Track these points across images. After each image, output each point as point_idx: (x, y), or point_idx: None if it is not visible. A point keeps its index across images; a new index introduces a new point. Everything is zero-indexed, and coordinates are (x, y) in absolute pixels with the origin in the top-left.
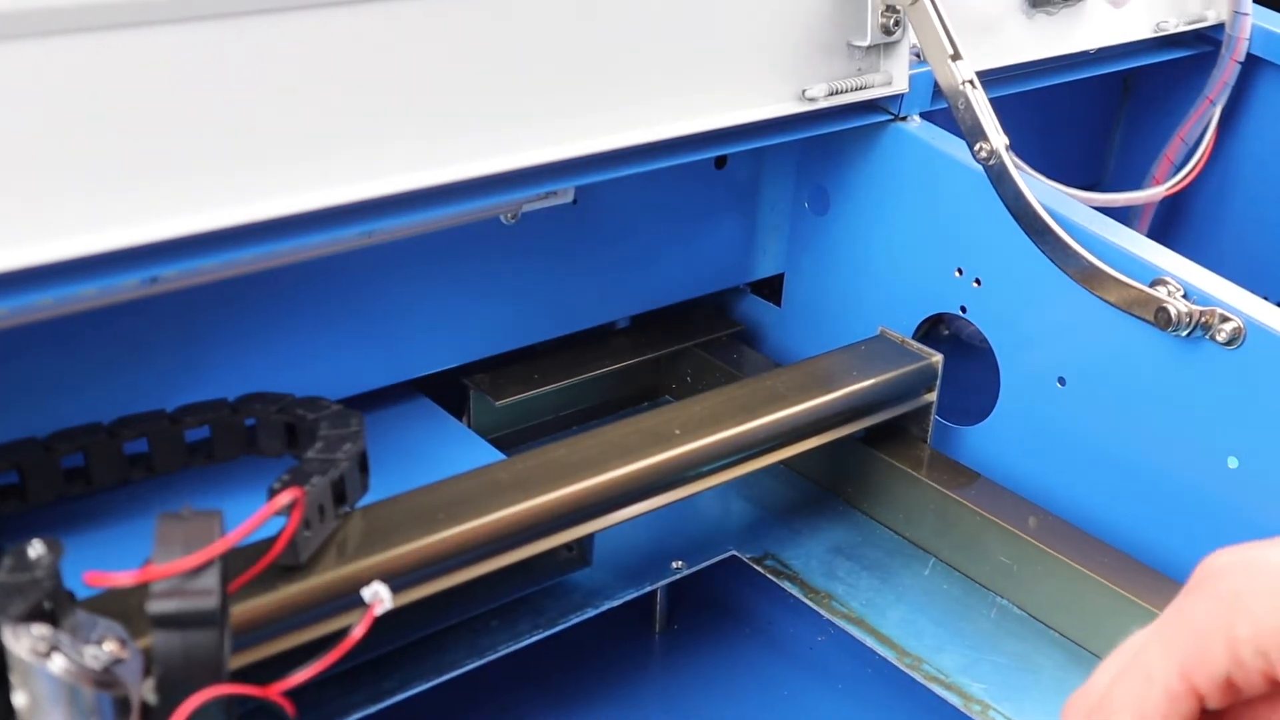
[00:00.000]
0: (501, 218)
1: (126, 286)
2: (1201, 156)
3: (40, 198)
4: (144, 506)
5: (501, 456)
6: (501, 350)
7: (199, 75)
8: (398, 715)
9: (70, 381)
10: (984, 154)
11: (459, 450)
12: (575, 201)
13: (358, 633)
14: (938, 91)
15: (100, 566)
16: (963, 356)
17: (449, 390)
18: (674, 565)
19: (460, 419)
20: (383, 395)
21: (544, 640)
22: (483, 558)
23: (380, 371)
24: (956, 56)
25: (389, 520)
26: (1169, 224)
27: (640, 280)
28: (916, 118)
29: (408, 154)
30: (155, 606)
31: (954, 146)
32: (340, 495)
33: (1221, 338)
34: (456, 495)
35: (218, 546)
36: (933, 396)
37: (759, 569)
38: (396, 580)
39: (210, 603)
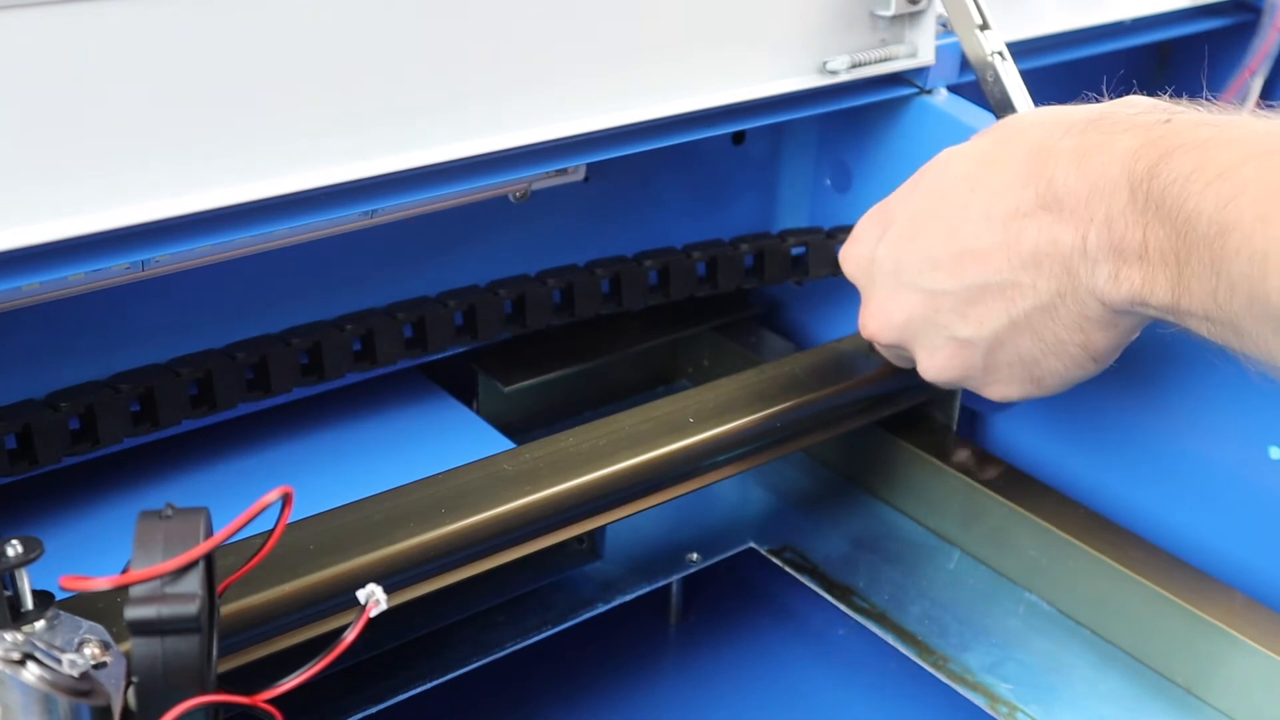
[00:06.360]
0: (510, 196)
1: (116, 271)
2: None
3: (25, 179)
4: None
5: (510, 444)
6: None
7: (192, 50)
8: (404, 713)
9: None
10: None
11: (467, 437)
12: (587, 179)
13: (351, 636)
14: (965, 64)
15: (89, 568)
16: None
17: (457, 375)
18: (689, 558)
19: (469, 405)
20: (389, 380)
21: (558, 634)
22: (489, 552)
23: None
24: (985, 27)
25: (392, 514)
26: None
27: None
28: (943, 91)
29: (410, 131)
30: (132, 613)
31: (982, 121)
32: None
33: None
34: (461, 488)
35: (201, 548)
36: None
37: (778, 562)
38: (399, 576)
39: (190, 608)
